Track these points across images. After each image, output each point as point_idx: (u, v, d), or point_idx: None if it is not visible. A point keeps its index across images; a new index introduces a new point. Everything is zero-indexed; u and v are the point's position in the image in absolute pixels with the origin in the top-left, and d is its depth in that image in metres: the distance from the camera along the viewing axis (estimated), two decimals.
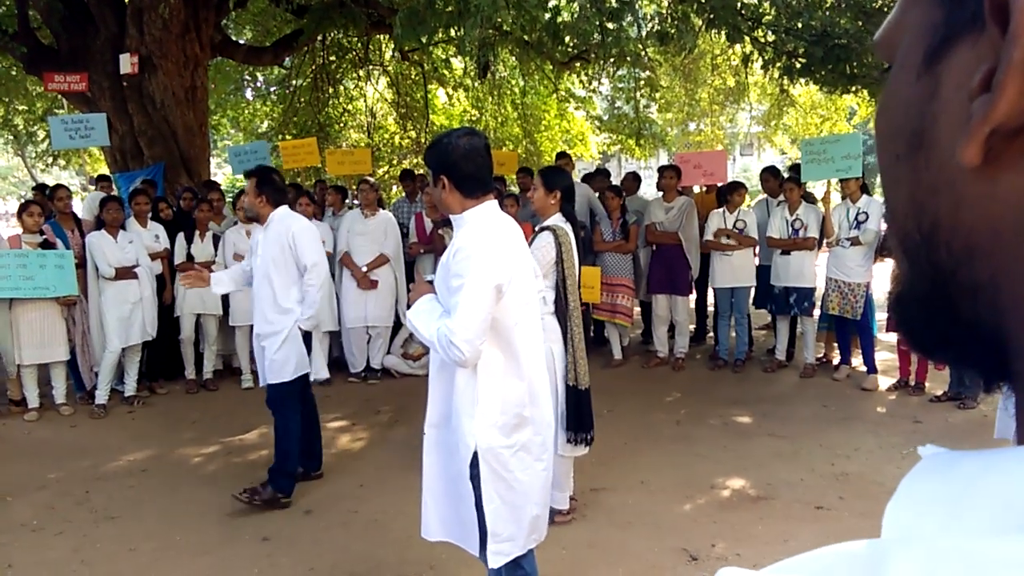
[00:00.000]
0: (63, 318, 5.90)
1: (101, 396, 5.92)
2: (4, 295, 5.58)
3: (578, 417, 3.56)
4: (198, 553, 3.63)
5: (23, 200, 7.23)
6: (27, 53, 8.25)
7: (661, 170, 7.19)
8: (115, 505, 4.16)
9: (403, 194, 8.41)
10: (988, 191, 0.33)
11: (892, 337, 6.60)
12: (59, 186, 6.76)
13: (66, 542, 3.77)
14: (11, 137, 13.70)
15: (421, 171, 12.13)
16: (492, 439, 2.34)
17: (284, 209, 4.17)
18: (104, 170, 10.38)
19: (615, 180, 8.50)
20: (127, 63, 7.78)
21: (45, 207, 6.36)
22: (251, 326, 6.54)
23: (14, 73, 10.47)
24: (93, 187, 8.70)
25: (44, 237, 5.87)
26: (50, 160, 14.05)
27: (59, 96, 9.80)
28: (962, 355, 0.39)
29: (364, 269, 6.70)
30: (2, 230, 7.91)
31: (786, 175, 7.29)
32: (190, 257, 6.46)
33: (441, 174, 2.37)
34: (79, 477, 4.65)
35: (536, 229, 3.67)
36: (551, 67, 11.82)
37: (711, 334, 8.01)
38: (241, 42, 11.47)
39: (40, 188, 8.06)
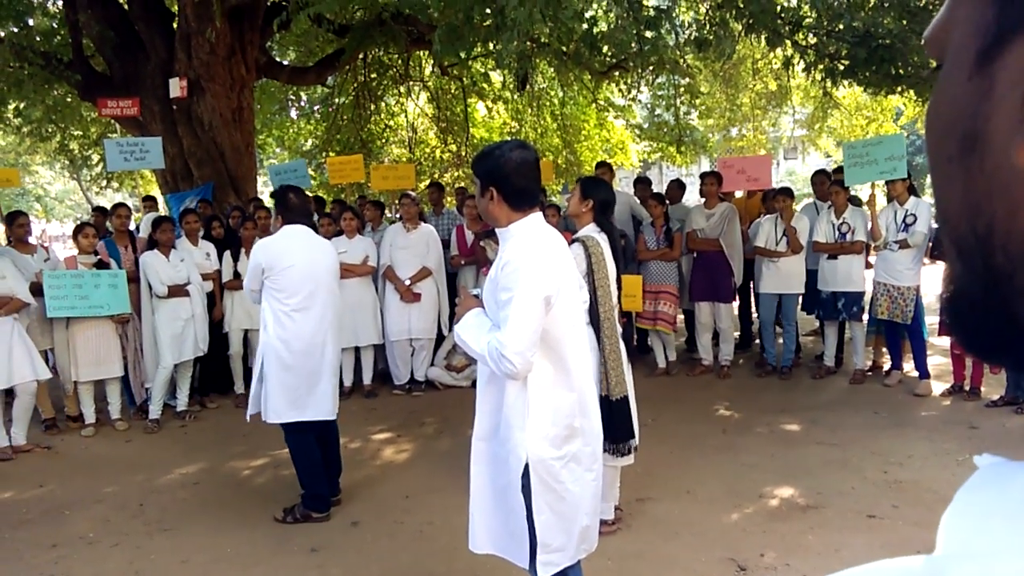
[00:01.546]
0: (117, 335, 6.09)
1: (154, 411, 6.09)
2: (62, 314, 5.78)
3: (611, 427, 3.54)
4: (249, 564, 3.70)
5: (79, 222, 7.48)
6: (81, 80, 8.57)
7: (702, 176, 7.14)
8: (168, 517, 4.25)
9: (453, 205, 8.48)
10: None
11: (945, 341, 6.42)
12: (120, 204, 7.00)
13: (121, 554, 3.87)
14: (67, 162, 14.16)
15: (461, 184, 12.25)
16: (543, 450, 2.34)
17: (280, 233, 4.07)
18: (155, 191, 10.68)
19: (656, 188, 8.45)
20: (176, 87, 8.03)
21: (100, 228, 6.57)
22: None
23: (69, 100, 10.85)
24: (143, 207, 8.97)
25: (99, 257, 6.07)
26: (104, 183, 14.50)
27: (112, 121, 10.14)
28: (1017, 358, 0.38)
29: (407, 282, 6.77)
30: (59, 251, 8.19)
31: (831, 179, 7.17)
32: (236, 275, 6.61)
33: (491, 186, 2.37)
34: (133, 490, 4.77)
35: (569, 241, 3.68)
36: (589, 77, 11.83)
37: (757, 341, 7.91)
38: (285, 63, 11.73)
39: (99, 210, 8.33)
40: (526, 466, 2.33)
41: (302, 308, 4.03)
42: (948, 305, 0.41)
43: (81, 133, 12.84)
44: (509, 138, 12.47)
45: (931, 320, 6.73)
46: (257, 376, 4.08)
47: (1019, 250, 0.34)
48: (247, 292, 4.17)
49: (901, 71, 6.52)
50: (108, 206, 8.25)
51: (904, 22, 6.22)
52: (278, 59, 11.68)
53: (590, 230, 3.67)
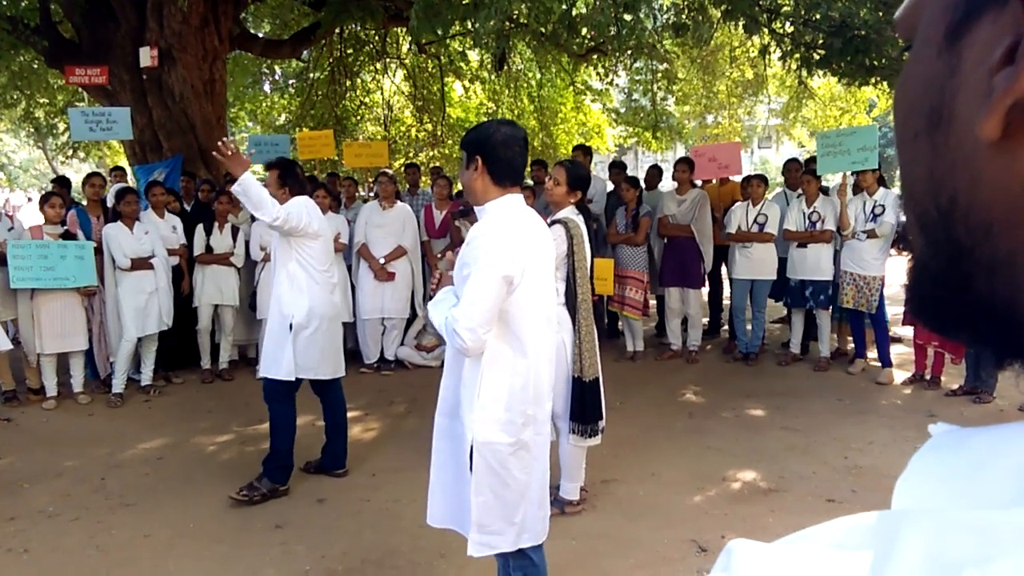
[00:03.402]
0: (83, 308, 5.98)
1: (118, 385, 6.00)
2: (26, 285, 5.66)
3: (582, 408, 3.56)
4: (212, 540, 3.68)
5: (44, 192, 7.32)
6: (49, 47, 8.35)
7: (675, 163, 7.17)
8: (131, 492, 4.21)
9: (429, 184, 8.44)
10: (1007, 166, 0.33)
11: (908, 331, 6.53)
12: (95, 173, 6.85)
13: (82, 528, 3.83)
14: (33, 130, 13.86)
15: (437, 164, 12.18)
16: (491, 434, 2.34)
17: (304, 199, 4.15)
18: (123, 162, 10.49)
19: (632, 173, 8.46)
20: (147, 56, 7.86)
21: (66, 199, 6.44)
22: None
23: (36, 66, 10.59)
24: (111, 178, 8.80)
25: (65, 228, 5.95)
26: (70, 152, 14.21)
27: (79, 89, 9.91)
28: (977, 333, 0.38)
29: (382, 261, 6.73)
30: (25, 221, 8.03)
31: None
32: (209, 249, 6.52)
33: (477, 154, 2.36)
34: (95, 465, 4.71)
35: (548, 222, 3.67)
36: (567, 59, 11.80)
37: (725, 327, 7.99)
38: (259, 35, 11.52)
39: (60, 180, 8.16)
40: (472, 445, 2.34)
41: (331, 276, 4.26)
42: (910, 281, 0.41)
43: (47, 101, 12.57)
44: (486, 119, 12.42)
45: (895, 310, 6.85)
46: (276, 339, 4.10)
47: (980, 223, 0.35)
48: (287, 217, 3.91)
49: (875, 62, 6.57)
50: (73, 176, 8.08)
51: (880, 14, 6.26)
52: (252, 31, 11.48)
53: (569, 212, 3.67)
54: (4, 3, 8.55)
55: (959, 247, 0.36)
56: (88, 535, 3.74)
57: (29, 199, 20.56)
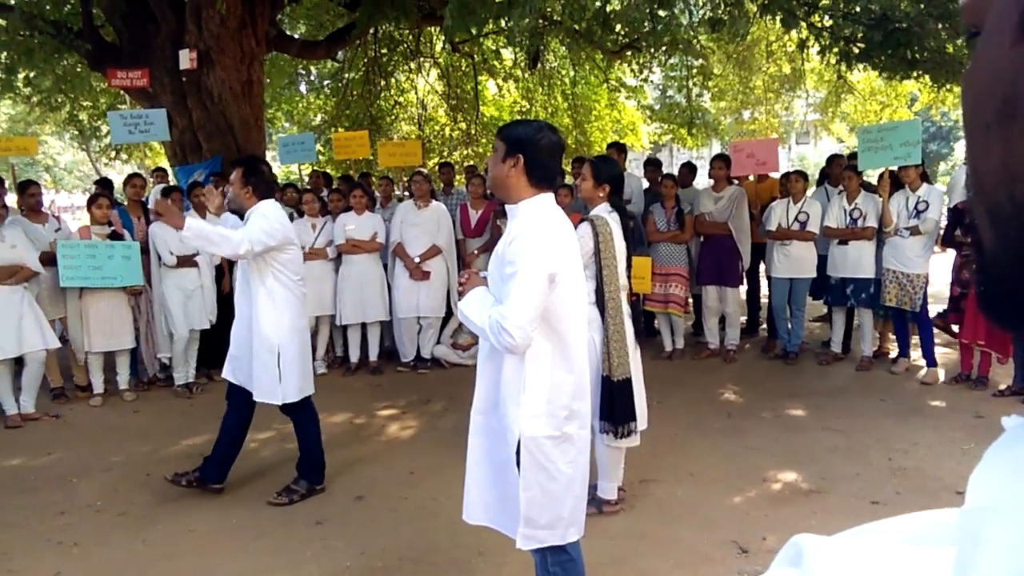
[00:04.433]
0: (129, 307, 6.11)
1: (181, 377, 6.24)
2: (74, 284, 5.80)
3: (611, 408, 3.54)
4: (254, 536, 3.73)
5: (90, 193, 7.50)
6: (91, 50, 8.52)
7: (712, 160, 7.10)
8: (175, 488, 4.28)
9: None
10: None
11: (953, 329, 6.39)
12: (135, 174, 7.02)
13: (128, 522, 3.91)
14: (76, 132, 14.16)
15: (471, 162, 12.21)
16: (536, 429, 2.36)
17: (270, 203, 3.92)
18: (164, 164, 10.68)
19: (666, 170, 8.40)
20: (186, 59, 7.98)
21: (111, 200, 6.59)
22: (317, 317, 6.65)
23: (79, 70, 10.81)
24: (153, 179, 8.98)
25: (112, 228, 6.08)
26: (112, 154, 14.50)
27: (121, 92, 10.11)
28: None
29: (417, 260, 6.77)
30: (70, 223, 8.25)
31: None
32: None
33: (519, 152, 2.36)
34: (141, 460, 4.82)
35: (578, 220, 3.66)
36: (601, 56, 11.75)
37: (763, 326, 7.89)
38: (295, 36, 11.65)
39: (103, 182, 8.34)
40: (519, 442, 2.35)
41: (303, 284, 4.08)
42: (979, 274, 0.41)
43: (91, 104, 12.82)
44: (520, 117, 12.42)
45: (939, 309, 6.70)
46: (266, 366, 3.94)
47: None
48: (252, 243, 3.72)
49: (917, 55, 6.43)
50: (115, 178, 8.25)
51: (922, 6, 6.13)
52: (288, 32, 11.60)
53: (601, 210, 3.65)
54: (48, 8, 8.75)
55: None
56: (134, 529, 3.82)
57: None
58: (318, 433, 4.22)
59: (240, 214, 4.07)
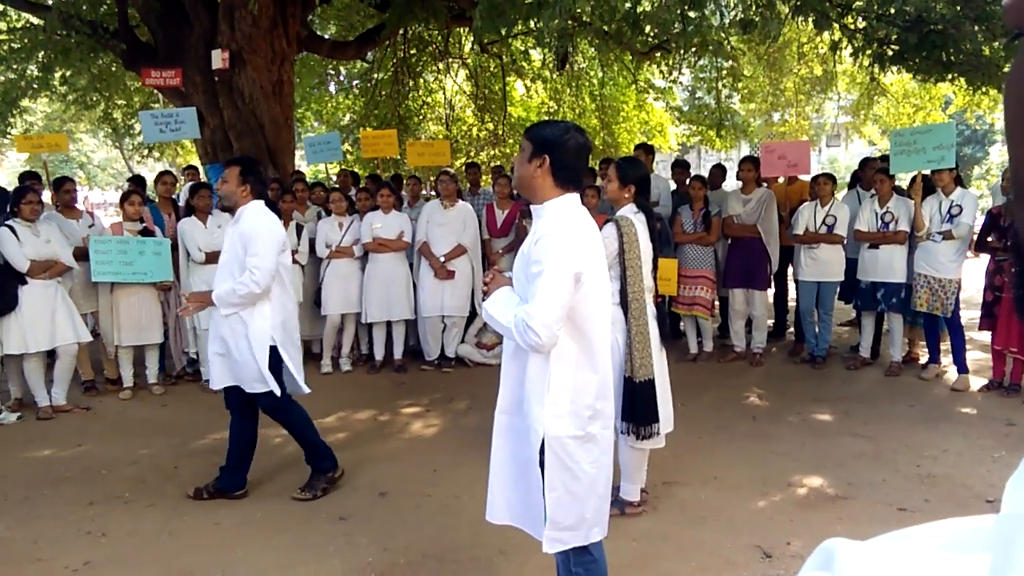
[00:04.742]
0: (159, 302, 6.21)
1: (207, 372, 6.21)
2: (106, 279, 5.91)
3: (632, 408, 3.52)
4: (278, 530, 3.77)
5: (123, 190, 7.62)
6: (126, 50, 8.67)
7: (740, 162, 7.04)
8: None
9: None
10: None
11: (985, 336, 6.28)
12: (165, 172, 7.13)
13: (156, 514, 3.97)
14: (110, 130, 14.38)
15: (498, 163, 12.22)
16: (560, 428, 2.35)
17: (259, 204, 3.95)
18: (195, 162, 10.82)
19: (694, 172, 8.35)
20: (218, 59, 8.09)
21: (143, 197, 6.70)
22: (343, 315, 6.69)
23: (114, 69, 11.00)
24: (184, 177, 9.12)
25: (144, 225, 6.17)
26: (145, 152, 14.72)
27: (155, 91, 10.27)
28: None
29: (442, 259, 6.79)
30: (103, 219, 8.39)
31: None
32: None
33: (546, 153, 2.36)
34: (169, 453, 4.89)
35: (604, 221, 3.65)
36: (630, 58, 11.70)
37: (790, 329, 7.81)
38: (326, 37, 11.75)
39: (136, 179, 8.46)
40: (543, 441, 2.35)
41: (288, 287, 4.10)
42: (1018, 278, 0.40)
43: (125, 102, 13.03)
44: (548, 118, 12.42)
45: (971, 315, 6.59)
46: (267, 366, 3.94)
47: None
48: (270, 272, 3.82)
49: (953, 58, 6.33)
50: (147, 175, 8.37)
51: (958, 7, 6.03)
52: (319, 33, 11.71)
53: (627, 211, 3.64)
54: (84, 8, 8.91)
55: None
56: (162, 521, 3.88)
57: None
58: (307, 421, 4.20)
59: (231, 211, 4.07)
